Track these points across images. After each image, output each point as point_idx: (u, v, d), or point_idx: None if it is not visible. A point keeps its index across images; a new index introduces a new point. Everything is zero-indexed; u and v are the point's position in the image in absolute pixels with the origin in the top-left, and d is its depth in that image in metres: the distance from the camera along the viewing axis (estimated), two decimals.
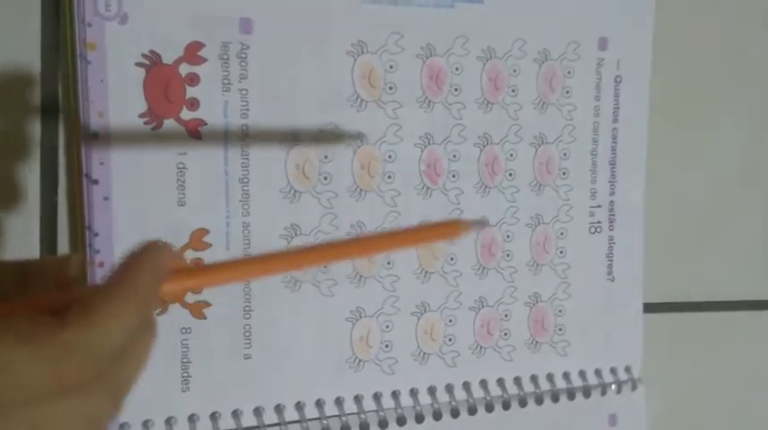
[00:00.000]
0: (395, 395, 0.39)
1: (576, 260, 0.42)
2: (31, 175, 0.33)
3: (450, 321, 0.40)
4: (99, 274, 0.33)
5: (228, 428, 0.36)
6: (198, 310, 0.35)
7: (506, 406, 0.41)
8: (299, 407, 0.37)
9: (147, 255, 0.21)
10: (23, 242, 0.33)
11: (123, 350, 0.20)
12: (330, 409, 0.37)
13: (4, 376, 0.18)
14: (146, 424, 0.34)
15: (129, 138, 0.33)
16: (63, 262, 0.24)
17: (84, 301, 0.19)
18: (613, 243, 0.43)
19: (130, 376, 0.21)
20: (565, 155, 0.41)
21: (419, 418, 0.39)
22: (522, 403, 0.41)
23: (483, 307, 0.40)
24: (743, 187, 0.47)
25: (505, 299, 0.41)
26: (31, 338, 0.18)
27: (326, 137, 0.35)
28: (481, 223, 0.32)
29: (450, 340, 0.40)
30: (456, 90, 0.38)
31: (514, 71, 0.39)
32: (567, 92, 0.41)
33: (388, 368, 0.39)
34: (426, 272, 0.39)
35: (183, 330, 0.35)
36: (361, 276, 0.38)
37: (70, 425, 0.19)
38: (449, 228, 0.27)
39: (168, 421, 0.35)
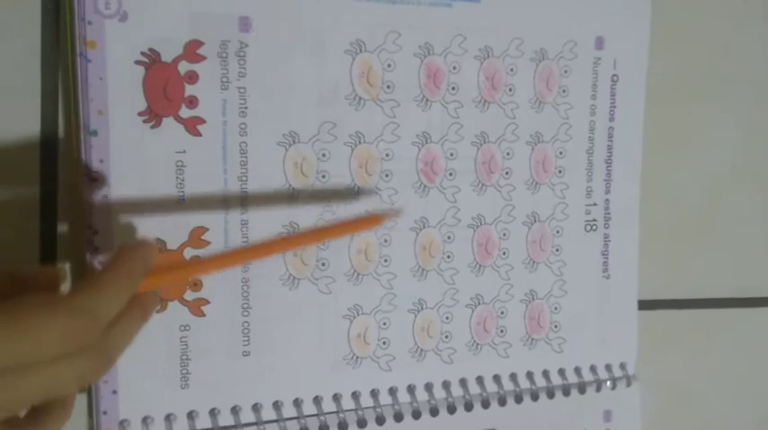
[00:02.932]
0: (392, 391, 0.39)
1: (572, 258, 0.42)
2: (30, 173, 0.34)
3: (447, 318, 0.40)
4: None
5: (227, 425, 0.36)
6: (197, 308, 0.35)
7: (502, 402, 0.41)
8: (297, 403, 0.37)
9: (136, 247, 0.27)
10: (23, 239, 0.34)
11: (118, 318, 0.25)
12: (328, 406, 0.38)
13: (32, 338, 0.21)
14: (145, 420, 0.34)
15: (128, 136, 0.33)
16: (52, 271, 0.28)
17: (89, 277, 0.24)
18: (609, 241, 0.43)
19: (121, 343, 0.26)
20: (561, 153, 0.41)
21: (416, 415, 0.39)
22: (518, 399, 0.41)
23: (479, 304, 0.41)
24: (737, 186, 0.47)
25: (502, 296, 0.41)
26: (48, 306, 0.22)
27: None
28: (394, 212, 0.36)
29: (446, 337, 0.40)
30: (453, 89, 0.39)
31: (511, 70, 0.40)
32: (564, 91, 0.41)
33: (385, 365, 0.39)
34: (423, 269, 0.39)
35: (182, 327, 0.35)
36: (358, 274, 0.38)
37: (69, 382, 0.23)
38: (372, 220, 0.34)
39: (167, 417, 0.35)
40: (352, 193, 0.37)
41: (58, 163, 0.34)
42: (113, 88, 0.33)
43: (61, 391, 0.23)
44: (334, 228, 0.34)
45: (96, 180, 0.33)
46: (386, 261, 0.38)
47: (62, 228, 0.34)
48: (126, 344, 0.26)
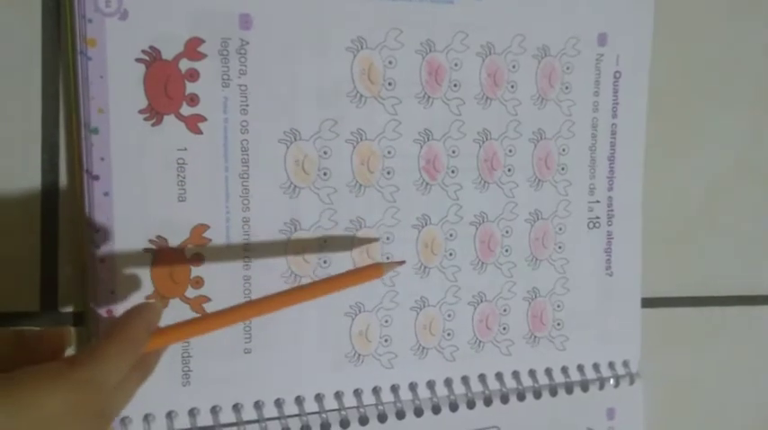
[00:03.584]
0: (394, 389, 0.39)
1: (575, 255, 0.42)
2: (31, 172, 0.34)
3: (449, 316, 0.40)
4: (100, 270, 0.33)
5: (229, 422, 0.36)
6: (198, 305, 0.35)
7: (505, 400, 0.41)
8: (299, 401, 0.37)
9: (139, 312, 0.27)
10: (24, 238, 0.34)
11: (119, 385, 0.25)
12: (330, 403, 0.38)
13: (37, 413, 0.22)
14: (146, 418, 0.35)
15: (129, 134, 0.33)
16: (58, 333, 0.28)
17: (89, 347, 0.24)
18: (612, 238, 0.43)
19: (120, 405, 0.26)
20: (564, 150, 0.41)
21: (418, 412, 0.39)
22: (521, 397, 0.41)
23: (482, 302, 0.40)
24: (740, 183, 0.47)
25: (504, 294, 0.41)
26: (52, 379, 0.23)
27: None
28: (398, 263, 0.36)
29: (448, 335, 0.40)
30: (455, 86, 0.38)
31: (514, 67, 0.39)
32: (567, 87, 0.41)
33: (387, 362, 0.39)
34: (425, 267, 0.39)
35: None
36: None
37: None
38: (372, 271, 0.33)
39: (169, 415, 0.35)
40: (352, 188, 0.37)
41: (58, 160, 0.34)
42: (114, 86, 0.33)
43: None
44: (334, 280, 0.33)
45: (97, 178, 0.33)
46: (387, 258, 0.38)
47: (63, 226, 0.34)
48: (125, 404, 0.27)
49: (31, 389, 0.22)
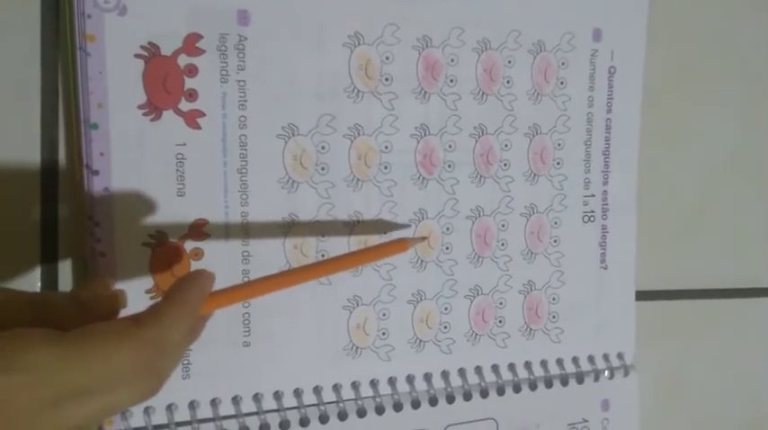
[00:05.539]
0: (391, 381, 0.39)
1: (570, 249, 0.43)
2: (31, 167, 0.34)
3: (446, 309, 0.40)
4: (101, 264, 0.33)
5: (228, 414, 0.36)
6: None
7: (501, 391, 0.42)
8: (298, 393, 0.38)
9: (196, 278, 0.28)
10: (24, 233, 0.34)
11: (176, 345, 0.26)
12: (328, 396, 0.38)
13: (105, 366, 0.23)
14: (146, 410, 0.35)
15: (128, 129, 0.33)
16: (113, 295, 0.29)
17: (152, 308, 0.26)
18: (606, 232, 0.43)
19: (174, 366, 0.27)
20: (559, 145, 0.42)
21: (415, 404, 0.40)
22: (517, 389, 0.42)
23: (478, 295, 0.41)
24: (734, 177, 0.47)
25: (500, 287, 0.41)
26: (120, 336, 0.24)
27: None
28: (421, 239, 0.38)
29: (445, 328, 0.40)
30: (452, 81, 0.39)
31: (509, 62, 0.40)
32: (562, 83, 0.41)
33: (384, 355, 0.39)
34: (422, 261, 0.39)
35: None
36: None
37: (126, 404, 0.24)
38: (397, 245, 0.35)
39: (169, 408, 0.35)
40: (350, 185, 0.37)
41: (58, 156, 0.34)
42: (113, 82, 0.33)
43: (116, 413, 0.25)
44: (362, 254, 0.35)
45: (97, 173, 0.33)
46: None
47: (63, 221, 0.34)
48: (177, 365, 0.28)
49: (102, 345, 0.23)
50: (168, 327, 0.25)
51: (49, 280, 0.34)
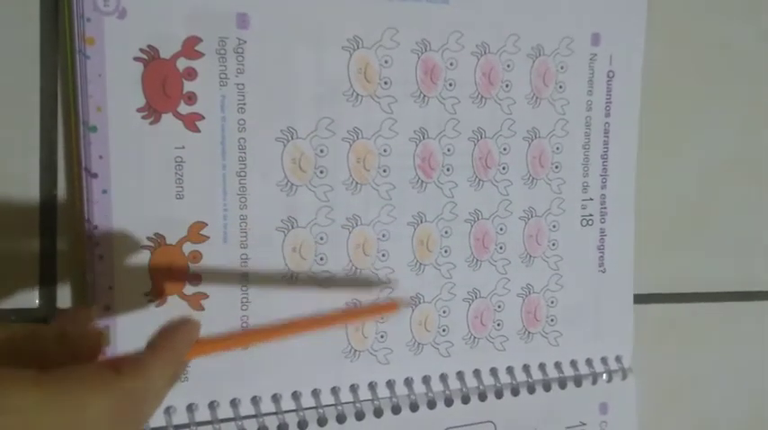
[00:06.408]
0: (390, 384, 0.39)
1: (568, 252, 0.43)
2: (30, 170, 0.34)
3: (444, 312, 0.40)
4: (99, 267, 0.33)
5: (226, 417, 0.36)
6: (196, 302, 0.35)
7: (499, 394, 0.42)
8: (296, 396, 0.38)
9: (180, 327, 0.27)
10: (23, 235, 0.34)
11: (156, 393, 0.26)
12: (326, 398, 0.38)
13: (79, 415, 0.22)
14: None
15: (127, 132, 0.33)
16: (97, 333, 0.29)
17: (135, 357, 0.25)
18: (605, 235, 0.43)
19: (153, 412, 0.26)
20: (557, 149, 0.42)
21: (414, 407, 0.40)
22: (515, 392, 0.42)
23: (476, 298, 0.41)
24: (732, 180, 0.47)
25: (498, 290, 0.41)
26: (98, 385, 0.23)
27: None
28: (412, 301, 0.39)
29: (444, 331, 0.40)
30: (450, 85, 0.39)
31: (508, 66, 0.40)
32: (560, 87, 0.41)
33: (383, 358, 0.39)
34: (420, 264, 0.39)
35: None
36: (356, 268, 0.38)
37: None
38: (387, 306, 0.37)
39: (167, 410, 0.35)
40: (349, 188, 0.37)
41: (57, 158, 0.34)
42: (112, 85, 0.33)
43: None
44: (352, 313, 0.36)
45: (96, 175, 0.33)
46: (383, 256, 0.39)
47: (62, 223, 0.34)
48: (155, 410, 0.27)
49: (78, 394, 0.23)
50: (149, 379, 0.25)
51: (48, 284, 0.34)
